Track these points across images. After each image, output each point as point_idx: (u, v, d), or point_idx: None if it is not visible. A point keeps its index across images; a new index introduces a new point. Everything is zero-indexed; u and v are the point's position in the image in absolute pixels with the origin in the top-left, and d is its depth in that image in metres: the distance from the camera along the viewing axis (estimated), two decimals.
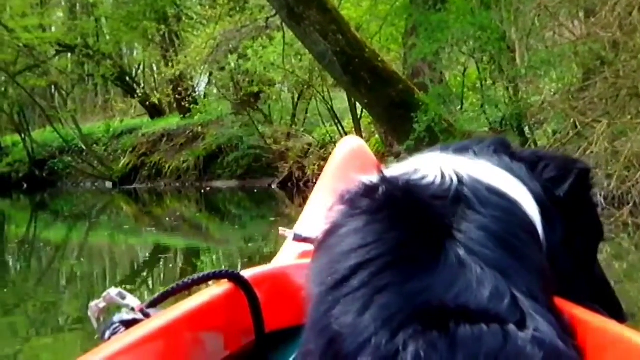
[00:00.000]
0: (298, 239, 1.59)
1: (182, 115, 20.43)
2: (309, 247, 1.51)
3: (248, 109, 17.97)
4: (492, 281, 1.04)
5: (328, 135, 16.57)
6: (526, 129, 9.41)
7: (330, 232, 1.19)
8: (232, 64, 16.43)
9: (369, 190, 1.19)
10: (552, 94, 8.51)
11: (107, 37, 21.94)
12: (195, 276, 1.35)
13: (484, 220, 1.14)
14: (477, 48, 9.25)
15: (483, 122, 9.56)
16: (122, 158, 20.53)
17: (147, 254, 9.62)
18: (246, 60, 15.81)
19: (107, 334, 1.26)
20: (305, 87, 16.78)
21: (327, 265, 1.13)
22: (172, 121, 20.85)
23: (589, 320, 1.16)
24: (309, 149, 16.92)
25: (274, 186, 17.11)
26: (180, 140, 19.70)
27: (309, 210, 1.83)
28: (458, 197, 1.17)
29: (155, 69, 23.03)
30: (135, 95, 20.95)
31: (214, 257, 8.64)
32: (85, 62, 22.53)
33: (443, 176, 1.21)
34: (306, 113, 18.71)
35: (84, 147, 20.96)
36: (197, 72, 17.77)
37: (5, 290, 7.13)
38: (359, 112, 14.99)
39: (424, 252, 1.08)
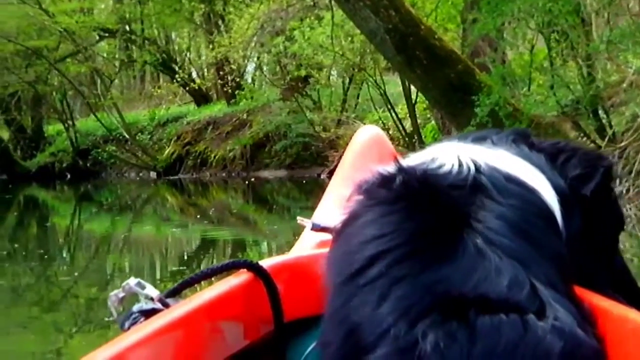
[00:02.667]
0: (316, 228, 1.61)
1: (228, 102, 20.34)
2: (327, 236, 1.52)
3: (296, 95, 17.77)
4: (511, 270, 1.07)
5: (381, 121, 16.30)
6: (601, 113, 8.98)
7: (347, 222, 1.23)
8: (281, 46, 16.19)
9: (386, 181, 1.22)
10: (634, 72, 8.06)
11: (152, 20, 21.91)
12: (214, 266, 1.38)
13: (502, 209, 1.17)
14: (546, 22, 8.80)
15: (552, 106, 9.13)
16: (167, 147, 20.56)
17: (193, 247, 9.59)
18: (293, 42, 15.59)
19: (127, 324, 1.29)
20: (356, 70, 16.51)
21: (345, 256, 1.17)
22: (218, 108, 20.78)
23: (610, 309, 1.17)
24: None
25: (323, 176, 16.91)
26: (226, 129, 19.63)
27: (327, 199, 1.87)
28: (476, 186, 1.20)
29: (202, 54, 22.96)
30: (175, 81, 20.93)
31: (262, 249, 8.52)
32: (130, 48, 22.60)
33: (461, 165, 1.23)
34: (357, 98, 18.48)
35: (127, 136, 21.06)
36: (238, 55, 17.58)
37: (49, 285, 7.13)
38: (413, 96, 14.68)
39: (441, 242, 1.11)
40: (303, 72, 16.99)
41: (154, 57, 21.19)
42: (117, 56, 23.58)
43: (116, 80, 24.63)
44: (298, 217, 1.68)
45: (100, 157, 21.59)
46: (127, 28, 21.84)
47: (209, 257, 8.30)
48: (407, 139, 15.17)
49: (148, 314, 1.29)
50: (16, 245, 9.92)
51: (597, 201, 1.35)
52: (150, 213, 13.88)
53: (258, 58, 20.40)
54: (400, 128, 15.55)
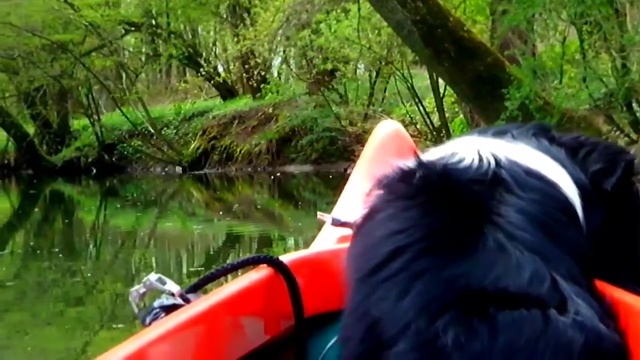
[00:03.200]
0: (336, 223, 1.62)
1: (254, 96, 20.33)
2: (347, 231, 1.55)
3: (322, 89, 17.72)
4: (532, 265, 1.08)
5: (408, 115, 16.22)
6: (636, 106, 8.82)
7: (367, 217, 1.25)
8: (307, 38, 16.13)
9: (406, 175, 1.24)
10: None
11: (177, 13, 21.92)
12: (235, 261, 1.40)
13: (522, 203, 1.17)
14: (579, 13, 8.67)
15: (584, 99, 9.00)
16: (192, 142, 20.62)
17: (219, 242, 9.61)
18: (319, 35, 15.53)
19: (148, 319, 1.31)
20: (383, 64, 16.42)
21: (365, 251, 1.19)
22: (244, 102, 20.80)
23: (632, 303, 1.17)
24: None
25: (349, 171, 16.77)
26: (252, 123, 19.65)
27: (346, 194, 1.90)
28: (496, 180, 1.20)
29: (228, 47, 22.96)
30: (200, 74, 20.96)
31: (288, 245, 8.52)
32: (156, 42, 22.62)
33: (481, 159, 1.24)
34: (384, 92, 18.41)
35: (153, 131, 21.14)
36: (264, 48, 17.57)
37: (74, 281, 7.18)
38: (441, 90, 14.58)
39: (462, 237, 1.11)
40: (329, 66, 16.94)
41: (180, 50, 21.22)
42: (143, 50, 23.66)
43: (142, 75, 24.73)
44: (318, 213, 1.69)
45: (125, 152, 21.71)
46: (153, 22, 21.92)
47: (235, 252, 8.31)
48: (434, 133, 15.08)
49: (169, 309, 1.31)
50: (41, 241, 10.02)
51: (619, 196, 1.35)
52: (176, 208, 13.95)
53: (284, 52, 20.35)
54: (428, 122, 15.46)
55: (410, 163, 1.26)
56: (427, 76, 14.86)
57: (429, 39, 9.07)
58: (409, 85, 15.59)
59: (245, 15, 20.42)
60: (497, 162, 1.24)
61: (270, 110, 19.38)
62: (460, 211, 1.15)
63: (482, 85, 9.22)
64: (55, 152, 22.94)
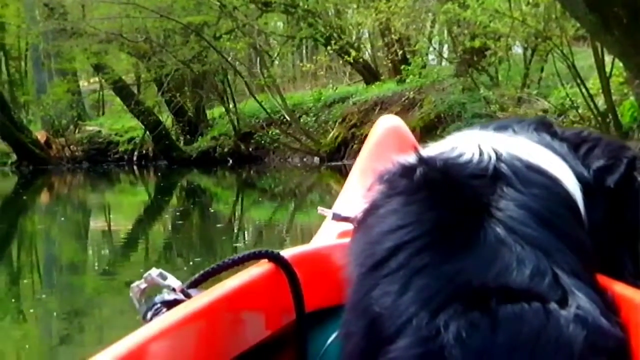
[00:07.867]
0: (337, 218, 1.67)
1: (398, 79, 19.95)
2: (348, 226, 1.60)
3: (471, 70, 17.16)
4: (533, 259, 1.14)
5: (568, 99, 15.44)
6: None
7: (369, 212, 1.31)
8: (451, 12, 15.56)
9: (407, 171, 1.30)
10: None
11: None
12: (236, 256, 1.46)
13: (523, 198, 1.24)
14: None
15: None
16: (331, 130, 20.55)
17: None
18: (465, 8, 14.96)
19: (149, 314, 1.36)
20: (540, 40, 15.67)
21: (366, 246, 1.25)
22: (387, 87, 20.52)
23: (633, 297, 1.19)
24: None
25: None
26: (395, 109, 19.35)
27: (347, 189, 1.99)
28: (497, 175, 1.27)
29: (368, 26, 22.65)
30: (326, 53, 20.65)
31: None
32: (298, 23, 22.57)
33: (481, 154, 1.30)
34: (541, 72, 17.61)
35: (289, 119, 21.17)
36: (400, 23, 17.12)
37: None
38: (608, 68, 13.73)
39: (462, 232, 1.18)
40: (477, 43, 16.33)
41: (318, 31, 21.08)
42: (281, 32, 23.64)
43: (283, 59, 24.77)
44: (319, 207, 1.75)
45: (263, 142, 21.81)
46: (289, 1, 21.92)
47: None
48: (599, 118, 14.23)
49: (170, 304, 1.37)
50: (177, 237, 10.20)
51: (621, 191, 1.42)
52: (316, 202, 13.93)
53: (431, 27, 19.84)
54: (592, 106, 14.59)
55: (410, 158, 1.33)
56: (591, 53, 14.03)
57: (594, 3, 8.37)
58: (570, 64, 14.76)
59: None
60: (498, 157, 1.30)
61: (414, 95, 19.01)
62: (460, 206, 1.22)
63: None
64: (190, 141, 23.27)
